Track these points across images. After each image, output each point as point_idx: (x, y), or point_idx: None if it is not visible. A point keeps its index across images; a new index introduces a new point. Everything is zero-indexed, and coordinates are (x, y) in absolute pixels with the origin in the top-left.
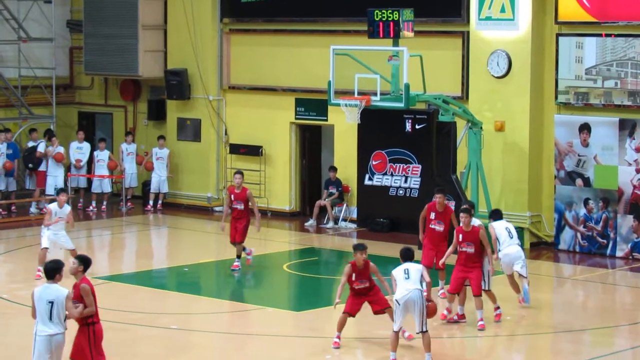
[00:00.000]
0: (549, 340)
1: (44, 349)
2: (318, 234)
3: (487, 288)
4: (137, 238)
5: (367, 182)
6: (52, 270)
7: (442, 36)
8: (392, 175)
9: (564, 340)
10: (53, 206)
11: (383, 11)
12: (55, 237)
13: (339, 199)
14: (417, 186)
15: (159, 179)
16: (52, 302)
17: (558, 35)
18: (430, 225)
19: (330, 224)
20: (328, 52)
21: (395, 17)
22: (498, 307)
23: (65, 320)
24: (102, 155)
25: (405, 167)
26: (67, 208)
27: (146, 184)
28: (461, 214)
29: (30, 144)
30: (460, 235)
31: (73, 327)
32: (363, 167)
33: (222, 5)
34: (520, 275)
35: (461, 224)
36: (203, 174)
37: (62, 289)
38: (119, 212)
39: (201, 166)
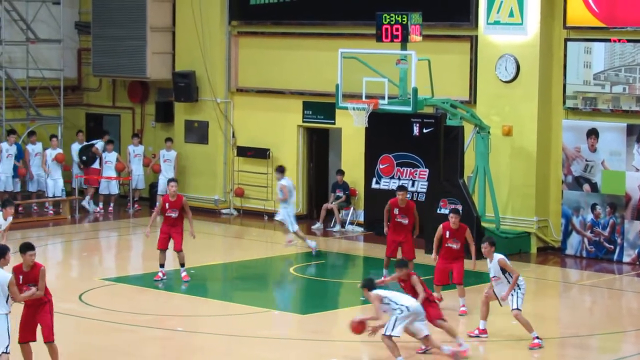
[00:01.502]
0: (555, 345)
1: None
2: (325, 237)
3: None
4: (144, 240)
5: (374, 185)
6: None
7: (450, 40)
8: (399, 179)
9: (570, 345)
10: None
11: (391, 15)
12: None
13: (346, 202)
14: (424, 190)
15: (166, 181)
16: None
17: (566, 40)
18: (396, 220)
19: (337, 227)
20: (336, 56)
21: (404, 20)
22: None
23: (7, 301)
24: (110, 156)
25: (412, 171)
26: (10, 220)
27: (153, 186)
28: (451, 215)
29: (31, 145)
30: (447, 232)
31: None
32: (370, 171)
33: (230, 7)
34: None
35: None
36: (210, 177)
37: (5, 274)
38: (126, 213)
39: (208, 169)
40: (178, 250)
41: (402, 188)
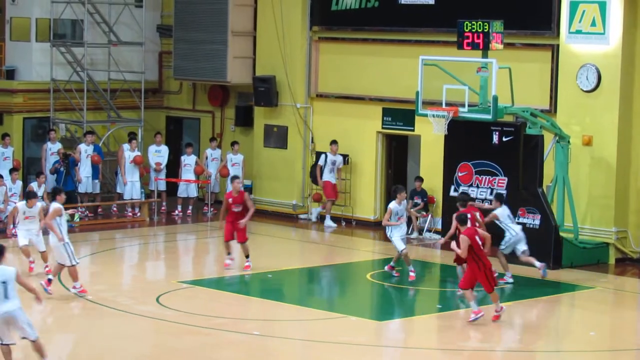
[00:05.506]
0: (632, 357)
1: (3, 325)
2: None
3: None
4: (221, 244)
5: (452, 193)
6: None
7: (531, 49)
8: (477, 187)
9: None
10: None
11: (473, 22)
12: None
13: (424, 209)
14: None
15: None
16: (5, 282)
17: None
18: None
19: (415, 235)
20: (416, 63)
21: (485, 28)
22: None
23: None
24: (189, 159)
25: (491, 179)
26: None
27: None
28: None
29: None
30: (231, 199)
31: None
32: (449, 178)
33: (311, 13)
34: None
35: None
36: (289, 181)
37: (10, 269)
38: (204, 217)
39: (287, 173)
40: (243, 241)
41: (235, 177)
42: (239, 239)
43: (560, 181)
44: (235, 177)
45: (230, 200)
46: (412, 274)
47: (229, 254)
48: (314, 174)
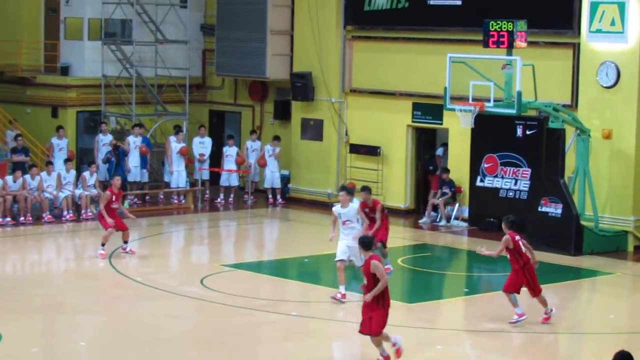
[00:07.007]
0: None
1: None
2: (431, 231)
3: None
4: (261, 230)
5: (478, 183)
6: None
7: (553, 47)
8: (502, 177)
9: None
10: None
11: (498, 22)
12: None
13: (452, 198)
14: (527, 189)
15: (272, 175)
16: None
17: None
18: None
19: (443, 222)
20: (445, 60)
21: (510, 27)
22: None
23: None
24: (231, 151)
25: (515, 170)
26: None
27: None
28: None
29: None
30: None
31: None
32: (475, 169)
33: (345, 13)
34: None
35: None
36: (324, 172)
37: None
38: (244, 204)
39: (322, 164)
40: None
41: (116, 175)
42: (122, 227)
43: (581, 172)
44: (116, 175)
45: (113, 197)
46: (340, 294)
47: (103, 244)
48: (433, 163)
